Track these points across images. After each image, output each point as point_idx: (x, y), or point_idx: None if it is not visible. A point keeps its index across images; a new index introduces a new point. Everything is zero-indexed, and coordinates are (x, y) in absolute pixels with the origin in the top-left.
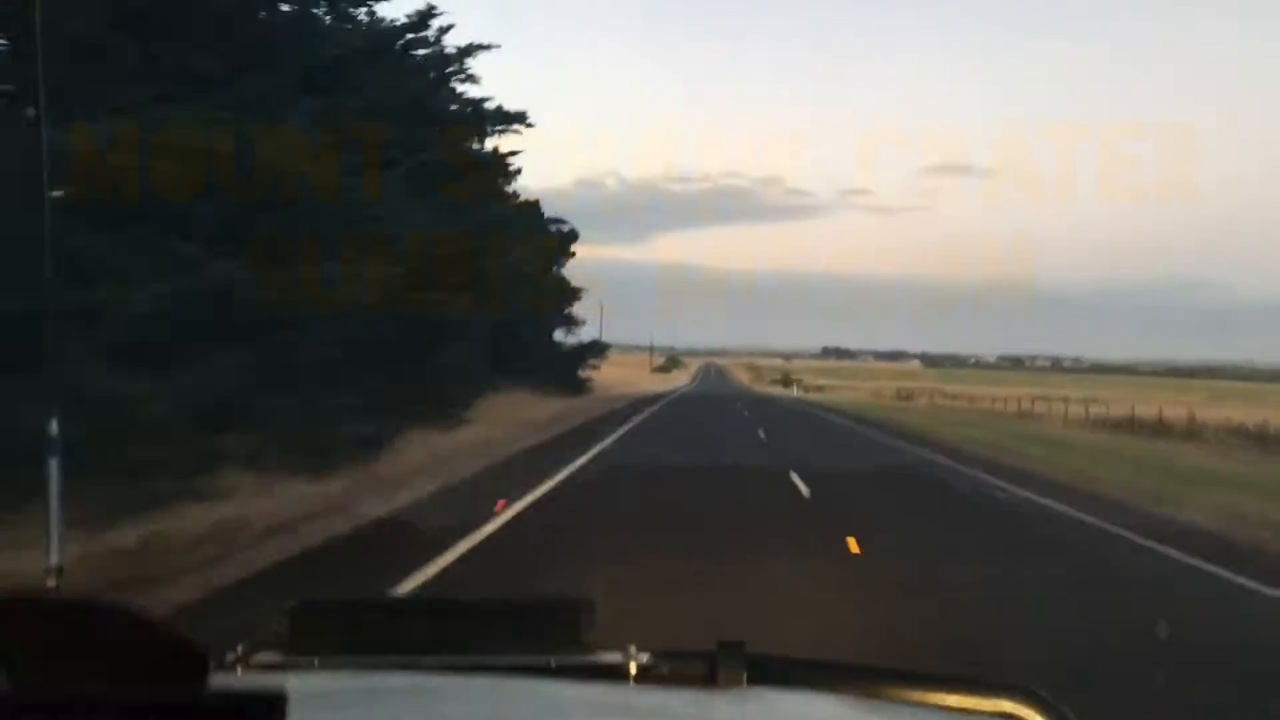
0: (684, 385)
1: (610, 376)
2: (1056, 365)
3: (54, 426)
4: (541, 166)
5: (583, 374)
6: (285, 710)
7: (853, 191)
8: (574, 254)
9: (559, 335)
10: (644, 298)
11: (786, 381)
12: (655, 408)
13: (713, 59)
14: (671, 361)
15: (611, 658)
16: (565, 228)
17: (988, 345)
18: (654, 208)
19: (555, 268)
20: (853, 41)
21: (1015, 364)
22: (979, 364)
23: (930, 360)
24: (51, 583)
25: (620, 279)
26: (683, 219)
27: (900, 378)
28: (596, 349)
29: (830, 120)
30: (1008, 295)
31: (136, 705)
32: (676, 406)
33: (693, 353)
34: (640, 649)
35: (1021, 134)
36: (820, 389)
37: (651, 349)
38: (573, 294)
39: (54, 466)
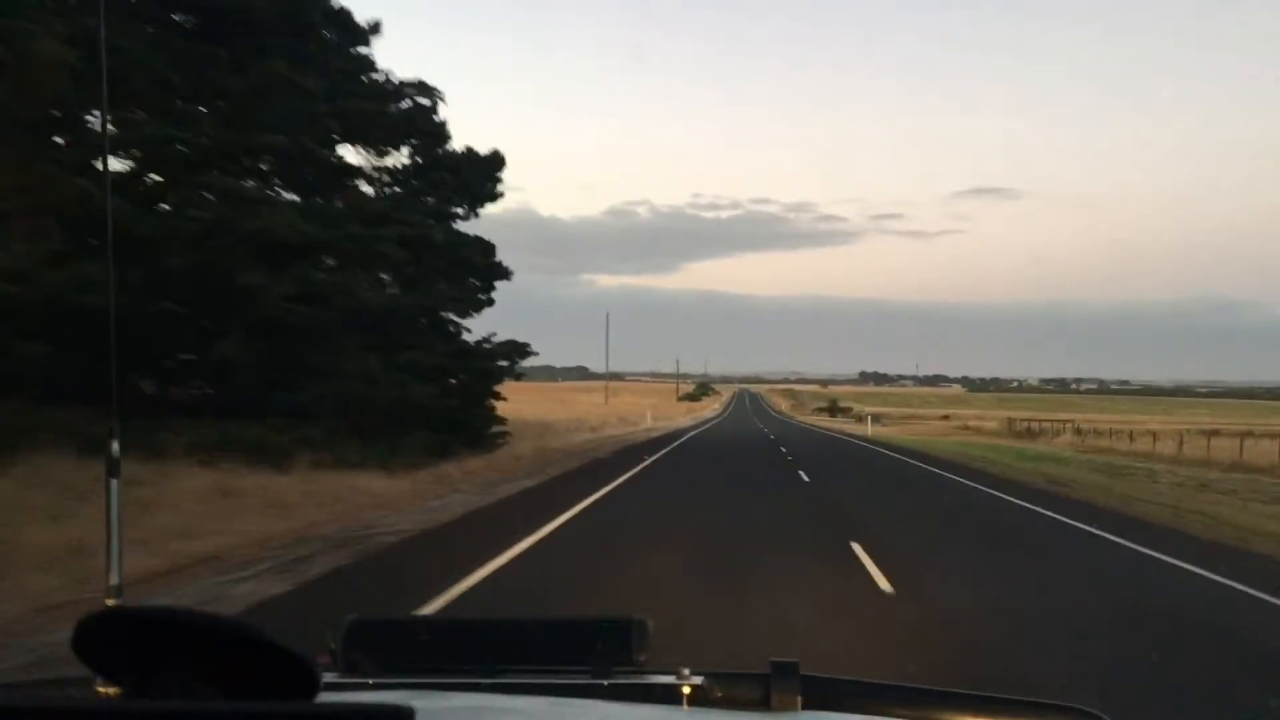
0: (711, 417)
1: (624, 408)
2: (1103, 388)
3: (115, 448)
4: (572, 198)
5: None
6: None
7: (885, 216)
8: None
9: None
10: (675, 326)
11: (833, 409)
12: (627, 475)
13: (739, 86)
14: (702, 389)
15: (664, 678)
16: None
17: (1027, 368)
18: (685, 236)
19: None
20: (881, 66)
21: (1060, 386)
22: (1023, 387)
23: (973, 384)
24: (111, 602)
25: (651, 307)
26: (714, 247)
27: (953, 404)
28: (508, 354)
29: (861, 146)
30: (1044, 317)
31: (246, 718)
32: (676, 469)
33: (726, 379)
34: (693, 670)
35: (1055, 154)
36: (878, 420)
37: (679, 377)
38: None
39: (114, 487)
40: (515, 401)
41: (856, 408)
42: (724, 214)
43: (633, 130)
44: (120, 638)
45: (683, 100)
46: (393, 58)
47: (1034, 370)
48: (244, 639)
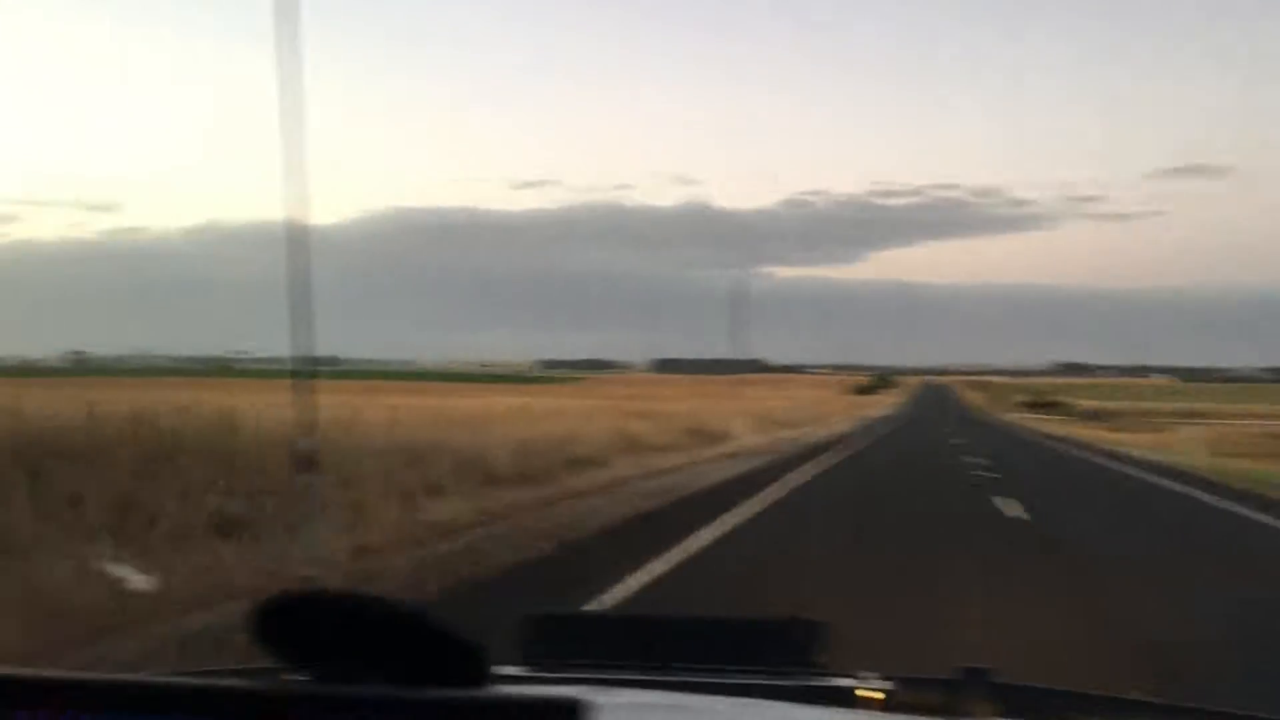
0: (873, 421)
1: (767, 405)
2: None
3: (304, 443)
4: (749, 189)
5: None
6: None
7: (1080, 199)
8: None
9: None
10: (855, 318)
11: (1041, 403)
12: None
13: (920, 68)
14: (881, 380)
15: (846, 682)
16: None
17: (1245, 356)
18: (864, 224)
19: None
20: (1069, 34)
21: None
22: (1241, 378)
23: (1186, 374)
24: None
25: (830, 298)
26: (895, 235)
27: (1172, 397)
28: None
29: (1053, 125)
30: (1263, 301)
31: (420, 706)
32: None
33: (914, 371)
34: (877, 673)
35: (1269, 127)
36: (1110, 419)
37: (858, 369)
38: None
39: (307, 481)
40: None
41: (1067, 400)
42: (905, 201)
43: (809, 120)
44: (296, 621)
45: (860, 87)
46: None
47: (1254, 359)
48: (417, 625)
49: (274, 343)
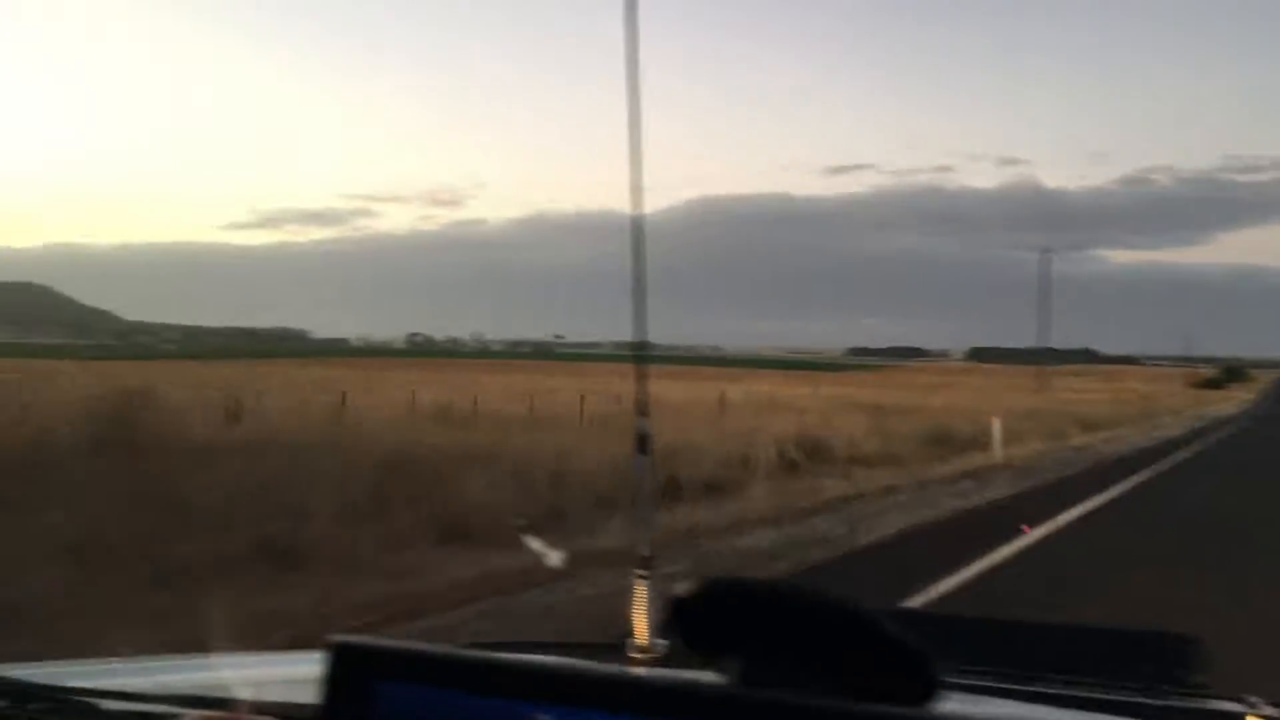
0: (1219, 417)
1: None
2: None
3: (642, 424)
4: (1080, 168)
5: None
6: None
7: None
8: None
9: None
10: (1199, 305)
11: None
12: None
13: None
14: (1229, 374)
15: (1228, 705)
16: None
17: None
18: (1213, 203)
19: None
20: None
21: None
22: None
23: None
24: (640, 572)
25: (1171, 284)
26: (1250, 214)
27: None
28: None
29: None
30: None
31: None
32: None
33: (1271, 364)
34: (1264, 700)
35: None
36: None
37: (1199, 361)
38: None
39: (642, 462)
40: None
41: None
42: (1266, 176)
43: (1150, 90)
44: (721, 612)
45: (1208, 52)
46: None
47: None
48: (858, 628)
49: (590, 327)
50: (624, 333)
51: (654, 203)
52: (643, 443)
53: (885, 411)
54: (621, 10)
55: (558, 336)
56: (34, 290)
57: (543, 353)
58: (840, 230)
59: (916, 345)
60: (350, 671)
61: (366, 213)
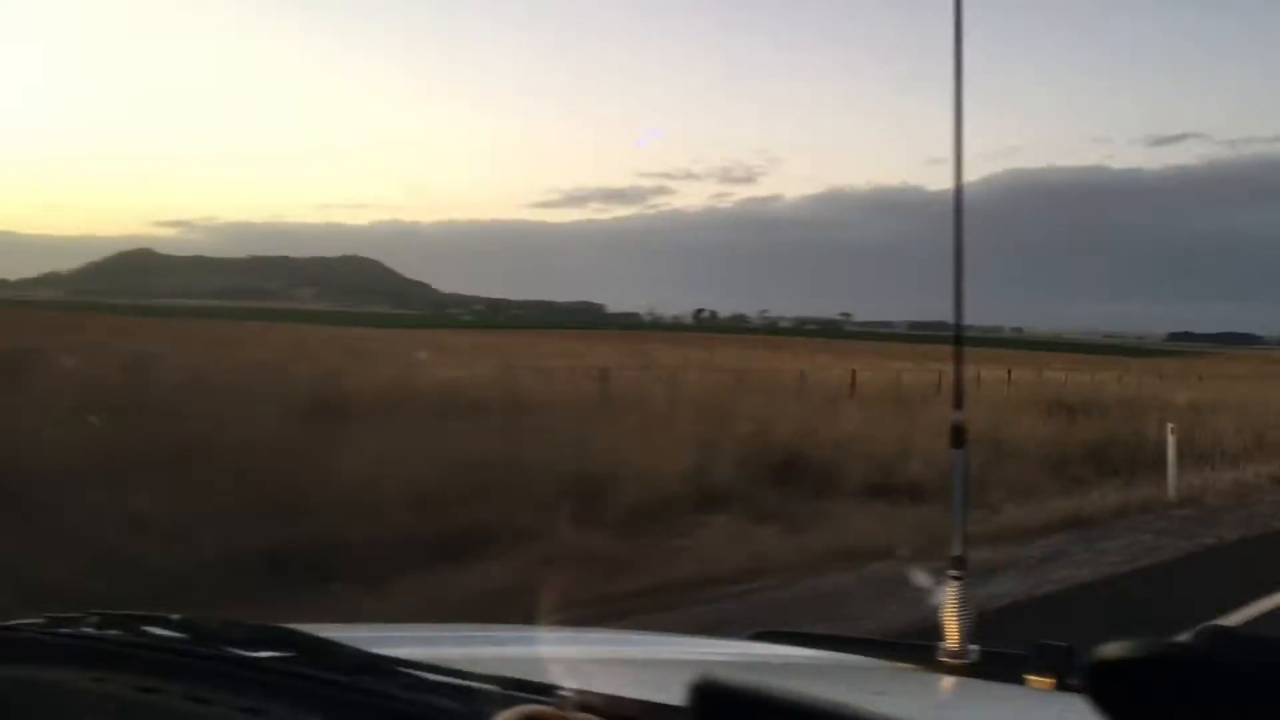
0: None
1: None
2: None
3: (958, 416)
4: None
5: None
6: None
7: None
8: None
9: None
10: None
11: None
12: None
13: None
14: None
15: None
16: None
17: None
18: None
19: None
20: None
21: None
22: None
23: None
24: (953, 573)
25: None
26: None
27: None
28: None
29: None
30: None
31: None
32: None
33: None
34: None
35: None
36: None
37: None
38: None
39: (958, 456)
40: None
41: None
42: None
43: None
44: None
45: None
46: None
47: None
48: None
49: (880, 305)
50: (916, 311)
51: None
52: (958, 435)
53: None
54: None
55: (844, 314)
56: (362, 262)
57: (829, 331)
58: (1163, 205)
59: (1250, 331)
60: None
61: (663, 190)
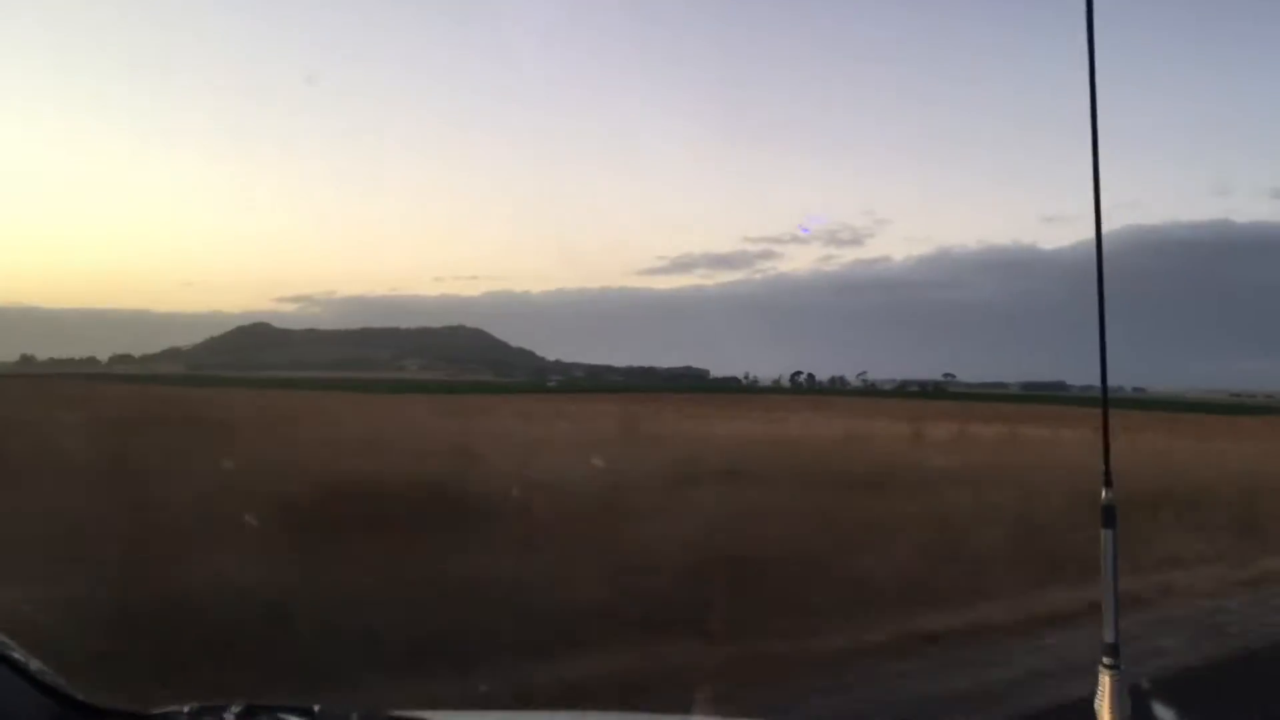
0: None
1: None
2: None
3: (1107, 495)
4: None
5: None
6: None
7: None
8: None
9: None
10: None
11: None
12: None
13: None
14: None
15: None
16: None
17: None
18: None
19: None
20: None
21: None
22: None
23: None
24: (1107, 661)
25: None
26: None
27: None
28: None
29: None
30: None
31: None
32: None
33: None
34: None
35: None
36: None
37: None
38: None
39: (1108, 539)
40: None
41: None
42: None
43: None
44: None
45: None
46: None
47: None
48: None
49: (985, 366)
50: (1023, 372)
51: (1076, 233)
52: (1109, 516)
53: None
54: (1044, 36)
55: (947, 375)
56: (468, 332)
57: (933, 393)
58: None
59: None
60: None
61: (770, 255)
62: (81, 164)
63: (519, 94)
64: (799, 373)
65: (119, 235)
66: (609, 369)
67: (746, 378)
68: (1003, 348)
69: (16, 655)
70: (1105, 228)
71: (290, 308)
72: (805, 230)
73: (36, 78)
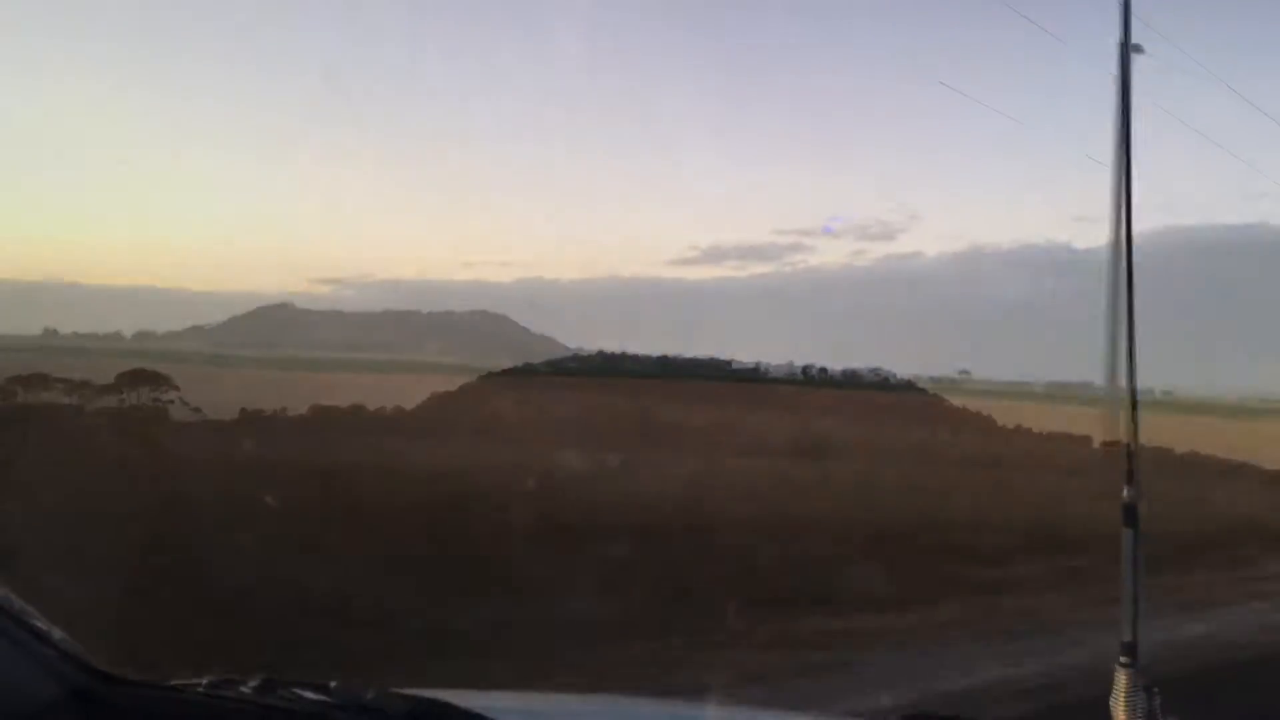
0: None
1: None
2: None
3: (1128, 493)
4: None
5: None
6: None
7: None
8: None
9: None
10: None
11: None
12: None
13: None
14: None
15: None
16: None
17: None
18: None
19: None
20: None
21: None
22: None
23: None
24: (1124, 659)
25: None
26: None
27: None
28: None
29: None
30: None
31: None
32: None
33: None
34: None
35: None
36: None
37: None
38: None
39: (1128, 538)
40: None
41: None
42: None
43: None
44: None
45: None
46: None
47: None
48: None
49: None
50: (1041, 371)
51: (1111, 232)
52: (1130, 515)
53: None
54: (1087, 32)
55: (962, 372)
56: (490, 318)
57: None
58: None
59: None
60: None
61: (800, 247)
62: (127, 140)
63: (562, 88)
64: (809, 365)
65: (160, 214)
66: (625, 356)
67: (759, 368)
68: (1029, 345)
69: (39, 624)
70: (1138, 228)
71: (325, 289)
72: (829, 229)
73: (75, 52)
